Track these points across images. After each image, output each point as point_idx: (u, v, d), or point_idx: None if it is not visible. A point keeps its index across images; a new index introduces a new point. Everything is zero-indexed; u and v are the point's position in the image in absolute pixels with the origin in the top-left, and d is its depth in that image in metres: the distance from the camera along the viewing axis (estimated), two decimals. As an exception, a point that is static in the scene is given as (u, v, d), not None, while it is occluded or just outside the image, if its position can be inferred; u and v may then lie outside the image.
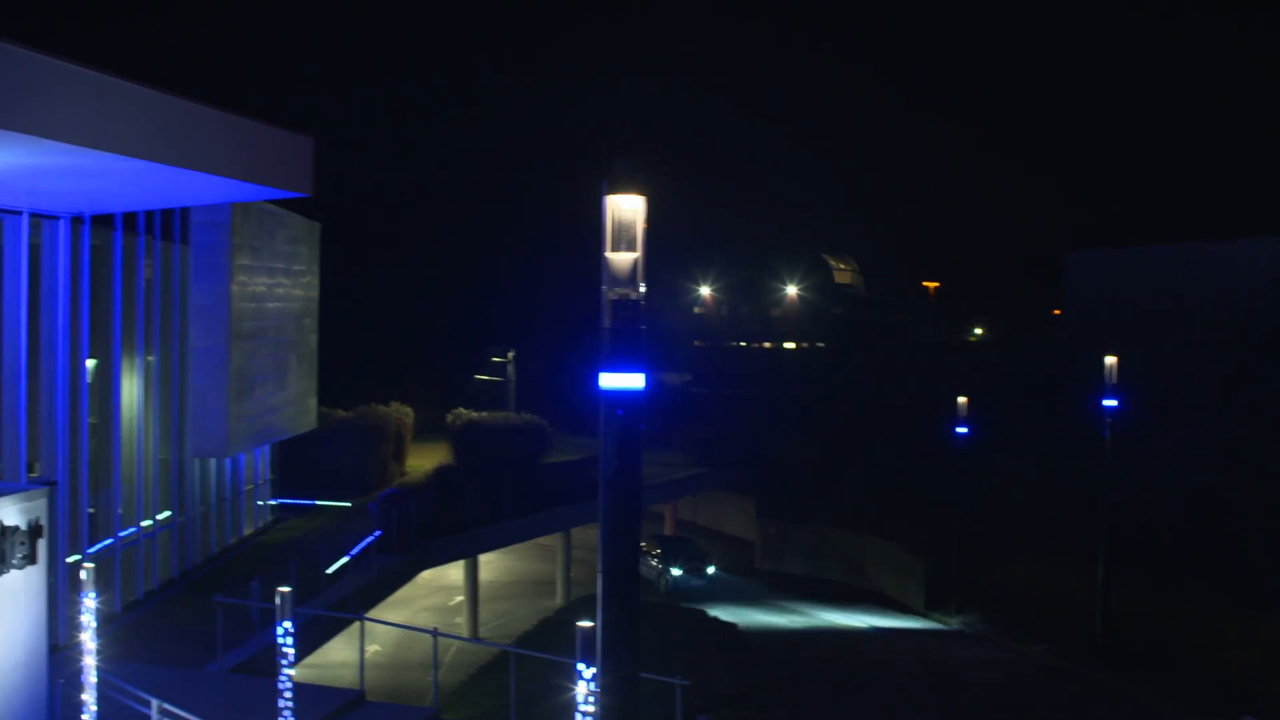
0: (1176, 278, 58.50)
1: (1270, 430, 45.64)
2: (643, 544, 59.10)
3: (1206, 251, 56.49)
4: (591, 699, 14.55)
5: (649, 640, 33.11)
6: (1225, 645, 39.49)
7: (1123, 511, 46.18)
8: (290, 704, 18.76)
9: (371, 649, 40.68)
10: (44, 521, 20.31)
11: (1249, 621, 40.91)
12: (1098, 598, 42.74)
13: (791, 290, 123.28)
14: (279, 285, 44.35)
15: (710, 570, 59.94)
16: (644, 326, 12.95)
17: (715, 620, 46.10)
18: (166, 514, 36.23)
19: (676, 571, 58.72)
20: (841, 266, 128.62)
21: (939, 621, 52.26)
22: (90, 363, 30.95)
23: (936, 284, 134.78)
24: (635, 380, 12.92)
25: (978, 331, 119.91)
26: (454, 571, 52.65)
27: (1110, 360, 43.18)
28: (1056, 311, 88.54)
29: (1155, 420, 50.35)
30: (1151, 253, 62.84)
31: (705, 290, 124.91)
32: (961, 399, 54.25)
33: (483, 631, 48.79)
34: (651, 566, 59.04)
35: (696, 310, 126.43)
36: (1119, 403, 43.29)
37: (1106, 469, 43.28)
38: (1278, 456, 45.10)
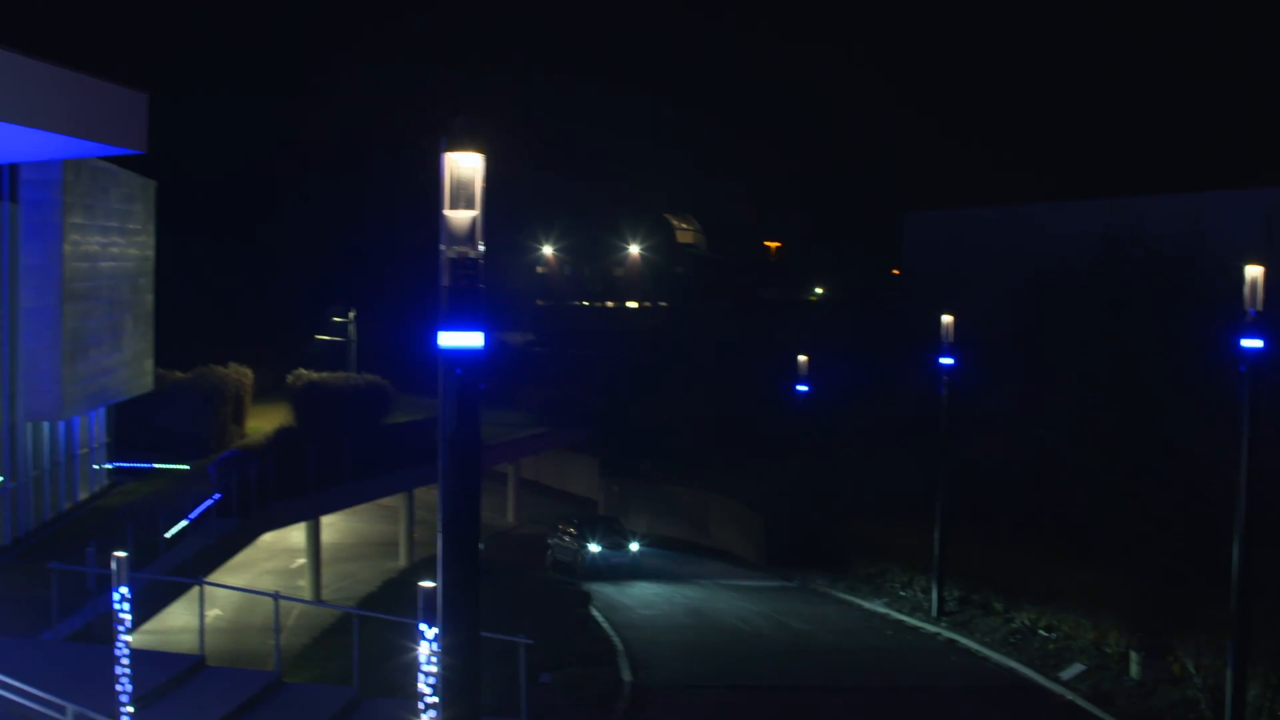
0: (1010, 239, 59.57)
1: (1100, 388, 46.76)
2: (559, 525, 57.92)
3: (1036, 214, 57.56)
4: (434, 659, 14.56)
5: (499, 602, 33.13)
6: (1058, 596, 40.48)
7: (961, 468, 47.02)
8: (128, 671, 18.49)
9: (212, 614, 40.18)
10: None
11: (1080, 572, 42.01)
12: (934, 552, 43.51)
13: (634, 250, 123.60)
14: (113, 244, 43.46)
15: (634, 546, 54.99)
16: (484, 285, 12.92)
17: (564, 582, 46.29)
18: (-3, 479, 35.43)
19: (594, 548, 53.85)
20: (684, 226, 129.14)
21: (780, 578, 52.88)
22: (-85, 324, 30.14)
23: (778, 244, 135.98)
24: (474, 339, 12.88)
25: (818, 291, 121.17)
26: (296, 534, 52.18)
27: (946, 319, 43.85)
28: (896, 271, 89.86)
29: (991, 378, 51.30)
30: (984, 214, 63.94)
31: (548, 250, 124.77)
32: (802, 357, 54.71)
33: (326, 594, 48.46)
34: (566, 546, 55.30)
35: (540, 270, 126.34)
36: (956, 361, 43.99)
37: (943, 426, 44.02)
38: (1106, 413, 46.23)
